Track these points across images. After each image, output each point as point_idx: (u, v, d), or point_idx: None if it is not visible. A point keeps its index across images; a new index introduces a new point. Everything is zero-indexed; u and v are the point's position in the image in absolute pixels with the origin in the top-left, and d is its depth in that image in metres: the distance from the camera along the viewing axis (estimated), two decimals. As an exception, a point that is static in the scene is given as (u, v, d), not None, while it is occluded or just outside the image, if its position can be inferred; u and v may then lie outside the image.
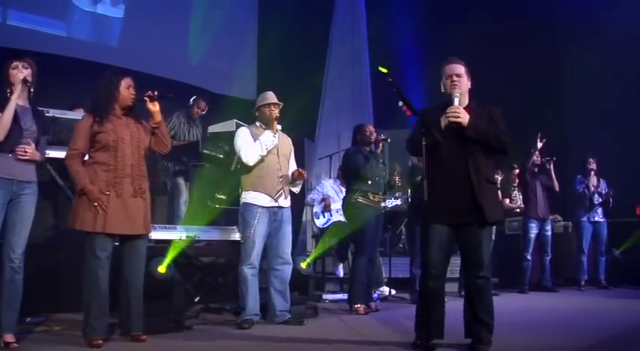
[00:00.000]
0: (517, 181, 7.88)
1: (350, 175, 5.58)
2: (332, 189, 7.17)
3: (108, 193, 3.70)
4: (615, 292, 7.31)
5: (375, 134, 5.56)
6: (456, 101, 3.63)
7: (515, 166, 7.93)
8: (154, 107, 3.96)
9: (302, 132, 8.26)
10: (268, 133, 4.61)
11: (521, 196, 7.93)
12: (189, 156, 6.29)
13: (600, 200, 7.73)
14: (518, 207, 7.97)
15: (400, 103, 3.59)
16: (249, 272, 4.48)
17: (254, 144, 4.58)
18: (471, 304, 3.67)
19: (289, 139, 4.94)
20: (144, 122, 4.01)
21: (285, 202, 4.67)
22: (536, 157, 7.44)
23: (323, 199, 7.09)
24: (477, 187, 3.58)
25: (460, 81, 3.72)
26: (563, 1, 10.59)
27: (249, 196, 4.58)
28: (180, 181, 6.71)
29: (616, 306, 6.16)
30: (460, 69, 3.76)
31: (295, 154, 6.90)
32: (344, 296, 5.95)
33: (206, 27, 8.26)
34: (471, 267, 3.66)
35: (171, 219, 6.67)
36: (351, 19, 9.59)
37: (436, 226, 3.60)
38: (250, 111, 8.66)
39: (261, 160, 4.60)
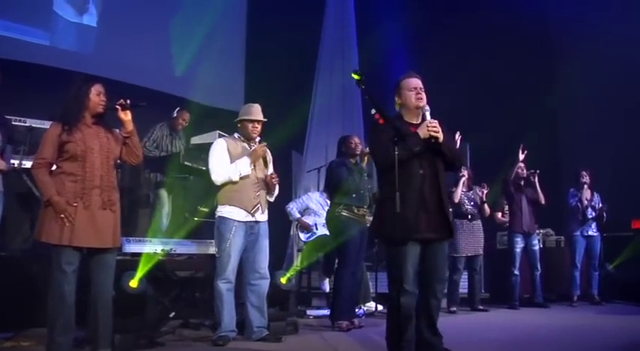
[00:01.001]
0: (503, 194, 7.75)
1: (333, 188, 5.45)
2: (317, 202, 7.04)
3: (75, 204, 3.56)
4: (608, 308, 7.16)
5: (360, 146, 5.43)
6: (428, 115, 3.57)
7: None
8: (126, 116, 3.83)
9: (289, 144, 8.16)
10: (246, 160, 4.45)
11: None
12: (170, 168, 6.18)
13: (594, 214, 7.59)
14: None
15: (373, 111, 3.48)
16: (225, 287, 4.34)
17: (227, 166, 4.44)
18: (429, 320, 3.66)
19: (267, 150, 4.75)
20: (115, 131, 3.89)
21: (262, 216, 4.54)
22: (520, 170, 7.31)
23: (298, 220, 7.00)
24: (445, 202, 3.62)
25: (423, 95, 3.67)
26: (557, 13, 10.54)
27: (224, 210, 4.45)
28: (163, 192, 6.62)
29: (608, 323, 6.00)
30: (422, 84, 3.71)
31: (282, 167, 6.82)
32: (328, 312, 5.81)
33: (193, 37, 8.17)
34: (432, 283, 3.65)
35: (153, 231, 6.58)
36: (340, 29, 9.51)
37: (410, 243, 3.52)
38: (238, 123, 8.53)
39: None
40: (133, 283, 4.23)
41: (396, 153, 3.33)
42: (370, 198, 5.40)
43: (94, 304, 3.69)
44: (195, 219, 5.59)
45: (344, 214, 5.26)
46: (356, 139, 5.46)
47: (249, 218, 4.44)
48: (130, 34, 7.55)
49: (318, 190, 7.64)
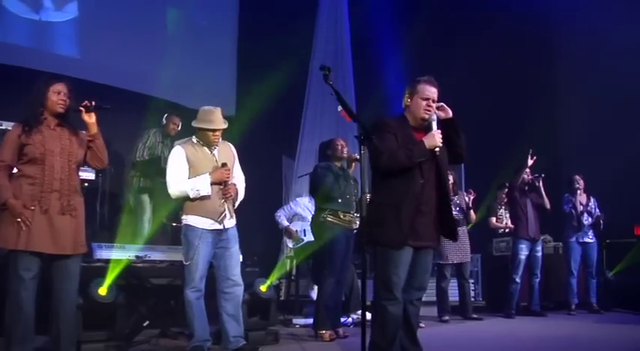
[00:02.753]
0: (506, 199, 7.55)
1: (318, 193, 5.26)
2: (305, 208, 6.86)
3: (32, 208, 3.42)
4: (607, 317, 6.92)
5: (346, 148, 5.24)
6: (435, 124, 3.49)
7: (507, 184, 7.62)
8: (90, 118, 3.68)
9: (280, 149, 8.00)
10: (206, 180, 4.15)
11: (507, 215, 7.60)
12: (151, 172, 6.04)
13: (590, 220, 7.36)
14: (505, 226, 7.64)
15: (339, 108, 3.34)
16: (194, 296, 4.13)
17: (184, 182, 4.15)
18: (408, 328, 3.55)
19: (231, 146, 4.48)
20: (81, 134, 3.74)
21: (229, 222, 4.28)
22: (526, 175, 7.08)
23: (286, 229, 6.85)
24: (445, 209, 3.54)
25: (434, 107, 3.53)
26: (558, 16, 10.37)
27: (190, 219, 4.20)
28: (145, 198, 6.47)
29: (606, 332, 5.81)
30: (437, 94, 3.57)
31: (272, 173, 6.64)
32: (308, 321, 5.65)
33: (183, 40, 8.04)
34: (415, 290, 3.56)
35: (133, 237, 6.43)
36: (334, 31, 9.34)
37: (405, 248, 3.40)
38: (229, 128, 8.40)
39: None
40: (102, 291, 4.05)
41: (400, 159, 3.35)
42: (357, 203, 5.21)
43: (55, 312, 3.56)
44: (174, 224, 5.42)
45: (329, 219, 5.08)
46: (342, 141, 5.26)
47: (217, 226, 4.21)
48: (116, 37, 7.40)
49: (308, 195, 7.47)
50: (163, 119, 6.64)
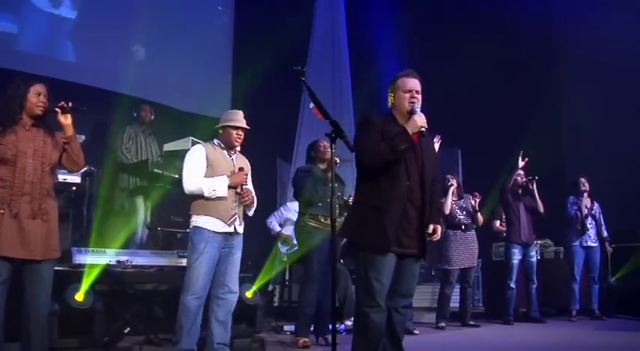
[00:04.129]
0: (500, 202, 7.38)
1: (299, 197, 5.15)
2: (296, 213, 6.72)
3: (2, 211, 3.31)
4: (609, 323, 6.73)
5: (329, 149, 5.11)
6: (417, 107, 3.36)
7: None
8: (66, 120, 3.57)
9: (275, 152, 7.88)
10: (224, 182, 4.09)
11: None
12: (139, 176, 5.93)
13: (594, 223, 7.18)
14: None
15: (311, 105, 3.23)
16: (194, 303, 3.98)
17: (202, 179, 4.08)
18: (393, 337, 3.40)
19: (246, 160, 4.45)
20: (57, 135, 3.63)
21: (239, 227, 4.18)
22: (520, 178, 6.92)
23: (278, 234, 6.73)
24: (425, 219, 3.37)
25: (419, 98, 3.40)
26: (559, 17, 10.24)
27: (200, 220, 4.09)
28: (139, 201, 6.37)
29: (605, 339, 5.66)
30: (419, 86, 3.44)
31: (267, 176, 6.51)
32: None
33: (177, 41, 7.95)
34: (400, 298, 3.41)
35: (127, 243, 6.32)
36: (331, 31, 9.21)
37: (389, 255, 3.26)
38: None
39: None
40: (79, 297, 3.94)
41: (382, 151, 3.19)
42: (342, 205, 5.08)
43: (26, 318, 3.44)
44: (159, 229, 5.31)
45: (310, 224, 4.96)
46: (325, 143, 5.12)
47: (227, 229, 4.10)
48: (107, 38, 7.32)
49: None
50: (134, 112, 6.64)
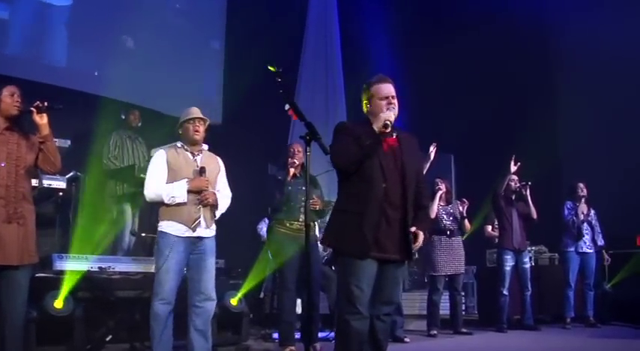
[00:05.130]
0: (493, 208, 7.27)
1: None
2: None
3: (-25, 216, 3.24)
4: (604, 331, 6.63)
5: (300, 154, 5.00)
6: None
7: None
8: (41, 119, 3.50)
9: (265, 157, 7.78)
10: (183, 186, 3.98)
11: None
12: (125, 181, 5.85)
13: (589, 230, 7.08)
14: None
15: (287, 107, 3.16)
16: (163, 309, 3.88)
17: (161, 185, 4.00)
18: (375, 346, 3.29)
19: (217, 158, 4.35)
20: (31, 137, 3.56)
21: (206, 231, 4.07)
22: (514, 183, 6.83)
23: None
24: (408, 219, 3.25)
25: (395, 103, 3.32)
26: (556, 23, 10.19)
27: (164, 225, 4.02)
28: (127, 208, 6.28)
29: (602, 347, 5.62)
30: (394, 90, 3.37)
31: (258, 182, 6.40)
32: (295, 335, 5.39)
33: (167, 47, 7.88)
34: (382, 305, 3.30)
35: (114, 250, 6.23)
36: (323, 37, 9.18)
37: (369, 260, 3.17)
38: (215, 136, 8.18)
39: None
40: (58, 304, 3.85)
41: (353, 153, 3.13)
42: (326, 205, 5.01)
43: (1, 325, 3.34)
44: (143, 235, 5.22)
45: (279, 230, 4.89)
46: (298, 147, 5.04)
47: (190, 234, 4.01)
48: (96, 42, 7.26)
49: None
50: (122, 115, 6.55)
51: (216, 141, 7.89)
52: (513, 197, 6.83)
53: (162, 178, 4.04)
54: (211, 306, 4.10)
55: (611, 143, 8.90)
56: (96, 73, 7.14)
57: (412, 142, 3.42)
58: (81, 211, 5.79)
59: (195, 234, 4.02)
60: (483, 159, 8.86)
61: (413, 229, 3.26)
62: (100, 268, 4.43)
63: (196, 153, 4.18)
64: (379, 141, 3.21)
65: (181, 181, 4.00)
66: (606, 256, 7.33)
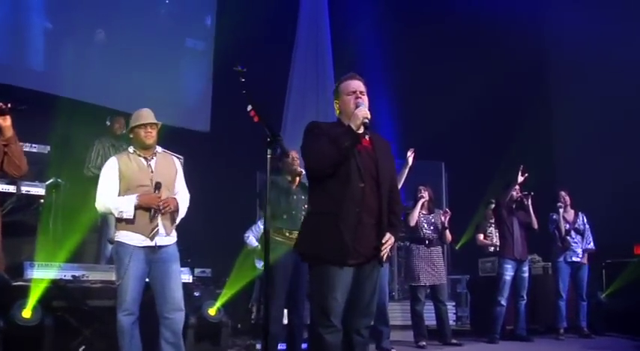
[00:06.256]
0: (494, 217, 7.14)
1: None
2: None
3: None
4: (598, 342, 6.48)
5: (298, 161, 4.90)
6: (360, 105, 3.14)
7: (492, 201, 7.25)
8: (5, 121, 3.37)
9: (253, 164, 7.66)
10: (130, 202, 3.83)
11: (497, 233, 7.17)
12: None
13: (578, 238, 6.92)
14: (493, 244, 7.24)
15: (249, 108, 3.05)
16: (126, 320, 3.75)
17: (110, 199, 3.88)
18: None
19: (175, 160, 4.20)
20: (-3, 142, 3.45)
21: (164, 239, 3.93)
22: (515, 193, 6.66)
23: (256, 250, 6.53)
24: (384, 223, 3.10)
25: (364, 99, 3.18)
26: (552, 30, 10.15)
27: (121, 234, 3.89)
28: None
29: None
30: (363, 87, 3.23)
31: (245, 190, 6.27)
32: (281, 346, 5.24)
33: (153, 52, 7.80)
34: (360, 316, 3.12)
35: (97, 258, 6.11)
36: (314, 44, 9.08)
37: (344, 268, 3.01)
38: (204, 143, 8.07)
39: None
40: (26, 313, 3.72)
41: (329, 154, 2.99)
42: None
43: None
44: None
45: (275, 238, 4.71)
46: (294, 154, 4.92)
47: (148, 243, 3.87)
48: (80, 47, 7.18)
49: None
50: (107, 121, 6.40)
51: (204, 149, 7.83)
52: (514, 206, 6.67)
53: (112, 189, 3.91)
54: (180, 316, 3.96)
55: (605, 151, 8.80)
56: (75, 78, 7.01)
57: (385, 144, 3.29)
58: (61, 219, 5.68)
59: (152, 243, 3.89)
60: (475, 166, 8.75)
61: (387, 234, 3.12)
62: (73, 276, 4.30)
63: (149, 157, 4.04)
64: (358, 141, 3.07)
65: (131, 196, 3.86)
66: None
